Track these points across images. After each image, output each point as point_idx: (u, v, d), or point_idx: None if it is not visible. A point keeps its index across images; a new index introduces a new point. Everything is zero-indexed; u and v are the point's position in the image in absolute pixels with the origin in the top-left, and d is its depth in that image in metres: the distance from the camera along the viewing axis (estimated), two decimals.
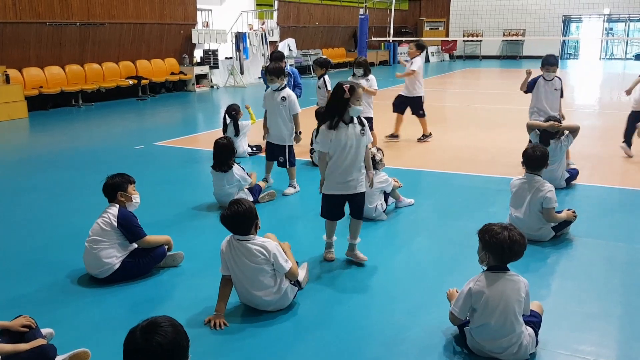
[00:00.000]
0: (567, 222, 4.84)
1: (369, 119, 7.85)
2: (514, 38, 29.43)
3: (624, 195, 6.19)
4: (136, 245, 4.18)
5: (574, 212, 4.87)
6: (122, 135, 10.23)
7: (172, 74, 16.19)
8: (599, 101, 14.43)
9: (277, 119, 6.15)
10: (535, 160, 4.79)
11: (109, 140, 9.69)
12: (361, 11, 20.00)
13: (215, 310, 3.55)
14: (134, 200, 4.19)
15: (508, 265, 3.13)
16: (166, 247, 4.32)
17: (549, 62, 7.19)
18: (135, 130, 11.01)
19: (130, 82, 14.58)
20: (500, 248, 3.05)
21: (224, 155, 5.69)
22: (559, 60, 21.95)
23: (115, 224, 4.04)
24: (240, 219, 3.50)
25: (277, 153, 6.28)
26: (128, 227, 4.09)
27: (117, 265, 4.06)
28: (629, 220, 5.37)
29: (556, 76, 7.26)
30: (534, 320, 3.16)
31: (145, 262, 4.17)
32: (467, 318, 3.18)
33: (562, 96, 7.31)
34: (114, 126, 11.35)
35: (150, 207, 5.63)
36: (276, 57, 8.61)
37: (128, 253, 4.13)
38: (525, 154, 4.87)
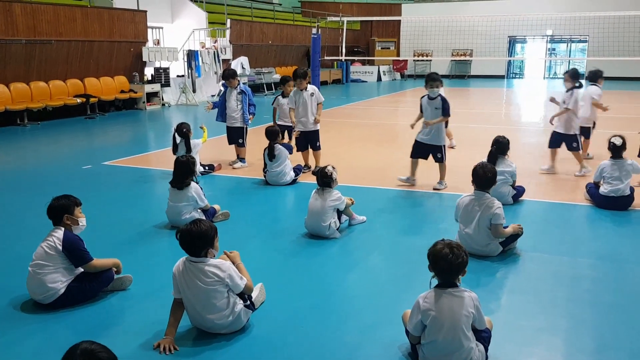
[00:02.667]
0: (514, 238, 4.97)
1: (316, 132, 8.04)
2: (462, 58, 30.27)
3: (568, 210, 6.40)
4: (82, 270, 4.06)
5: (519, 225, 5.00)
6: (70, 155, 9.96)
7: (122, 92, 15.92)
8: (544, 119, 14.93)
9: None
10: (485, 179, 4.89)
11: (55, 161, 9.42)
12: (314, 31, 20.18)
13: (165, 334, 3.46)
14: (80, 224, 4.08)
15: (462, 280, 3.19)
16: (114, 270, 4.20)
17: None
18: (84, 149, 10.74)
19: (79, 100, 14.25)
20: (440, 265, 3.11)
21: (182, 172, 5.64)
22: (505, 80, 22.60)
23: (60, 247, 3.91)
24: (193, 238, 3.44)
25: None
26: (73, 251, 3.96)
27: (62, 290, 3.92)
28: (573, 234, 5.56)
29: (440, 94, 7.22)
30: (484, 336, 3.21)
31: (91, 286, 4.04)
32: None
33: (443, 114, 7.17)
34: (61, 146, 11.05)
35: (99, 228, 5.49)
36: (229, 74, 8.62)
37: (74, 277, 4.00)
38: (475, 173, 4.95)
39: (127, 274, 4.30)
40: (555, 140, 8.03)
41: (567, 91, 7.84)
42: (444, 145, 7.19)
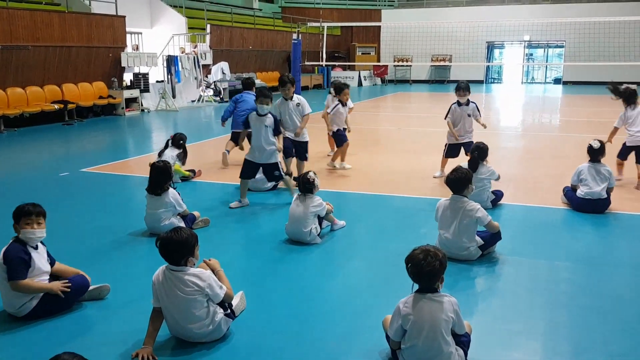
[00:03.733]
0: (493, 241, 5.02)
1: (305, 143, 7.73)
2: (442, 63, 30.56)
3: (546, 213, 6.47)
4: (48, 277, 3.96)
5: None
6: (47, 162, 9.84)
7: (101, 97, 15.78)
8: (522, 123, 15.13)
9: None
10: (457, 182, 4.94)
11: (32, 168, 9.29)
12: (294, 36, 20.25)
13: (144, 343, 3.42)
14: (21, 235, 3.89)
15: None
16: (88, 278, 4.12)
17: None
18: (61, 156, 10.62)
19: (56, 106, 14.09)
20: (410, 269, 3.14)
21: (159, 178, 5.56)
22: (484, 85, 22.98)
23: (2, 260, 3.80)
24: (175, 246, 3.41)
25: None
26: (7, 264, 3.78)
27: (35, 302, 3.84)
28: (549, 237, 5.62)
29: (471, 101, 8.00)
30: (463, 340, 3.22)
31: (67, 296, 3.94)
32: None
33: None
34: (38, 152, 10.91)
35: (76, 236, 5.42)
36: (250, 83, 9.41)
37: None
38: (447, 178, 5.04)
39: (104, 284, 4.24)
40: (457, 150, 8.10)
41: (466, 104, 7.96)
42: (279, 162, 6.75)
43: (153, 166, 5.68)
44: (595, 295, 4.27)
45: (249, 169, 6.69)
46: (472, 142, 7.58)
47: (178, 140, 7.84)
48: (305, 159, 7.76)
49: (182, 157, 7.87)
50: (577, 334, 3.69)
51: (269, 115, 6.60)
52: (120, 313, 4.01)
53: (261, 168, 6.73)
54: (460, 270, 4.72)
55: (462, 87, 7.94)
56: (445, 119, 8.09)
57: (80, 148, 11.67)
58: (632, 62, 23.68)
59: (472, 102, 8.00)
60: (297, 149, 7.63)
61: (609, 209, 6.37)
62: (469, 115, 7.95)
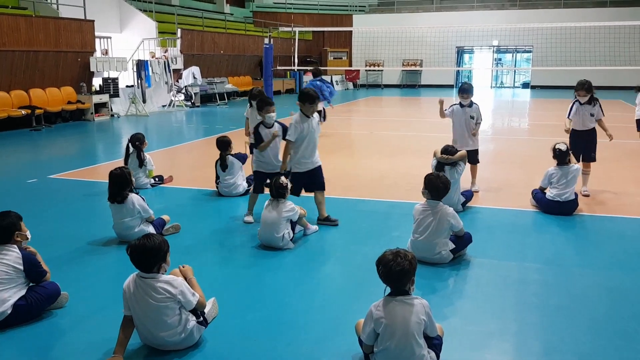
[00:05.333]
0: (464, 244, 5.08)
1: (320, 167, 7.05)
2: (413, 68, 30.84)
3: (516, 216, 6.57)
4: (27, 287, 3.94)
5: None
6: (14, 168, 9.63)
7: (69, 102, 15.51)
8: (492, 127, 15.35)
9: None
10: (439, 189, 5.02)
11: None
12: (266, 41, 20.17)
13: (114, 352, 3.37)
14: (29, 237, 4.03)
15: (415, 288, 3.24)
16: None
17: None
18: (29, 162, 10.40)
19: (23, 112, 13.81)
20: (380, 270, 3.18)
21: (118, 186, 5.45)
22: (454, 89, 23.20)
23: (21, 267, 3.85)
24: (146, 253, 3.37)
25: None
26: (34, 268, 3.95)
27: (10, 311, 3.78)
28: (519, 239, 5.70)
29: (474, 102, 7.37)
30: (435, 343, 3.25)
31: (39, 304, 3.90)
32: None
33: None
34: (5, 159, 10.66)
35: (45, 244, 5.29)
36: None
37: (19, 296, 3.86)
38: (429, 183, 5.06)
39: (63, 292, 4.15)
40: None
41: (469, 105, 7.34)
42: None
43: (111, 174, 5.52)
44: (565, 296, 4.34)
45: (262, 182, 6.16)
46: (477, 149, 7.40)
47: (135, 141, 7.74)
48: (324, 187, 6.30)
49: (140, 158, 7.74)
50: (547, 334, 3.75)
51: (276, 124, 6.17)
52: (90, 321, 3.95)
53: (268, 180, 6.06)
54: (432, 274, 4.76)
55: (465, 89, 7.22)
56: (444, 113, 7.35)
57: (49, 154, 11.45)
58: (597, 67, 24.24)
59: (475, 103, 7.37)
60: (314, 177, 6.19)
61: (576, 210, 6.50)
62: (472, 118, 7.29)
